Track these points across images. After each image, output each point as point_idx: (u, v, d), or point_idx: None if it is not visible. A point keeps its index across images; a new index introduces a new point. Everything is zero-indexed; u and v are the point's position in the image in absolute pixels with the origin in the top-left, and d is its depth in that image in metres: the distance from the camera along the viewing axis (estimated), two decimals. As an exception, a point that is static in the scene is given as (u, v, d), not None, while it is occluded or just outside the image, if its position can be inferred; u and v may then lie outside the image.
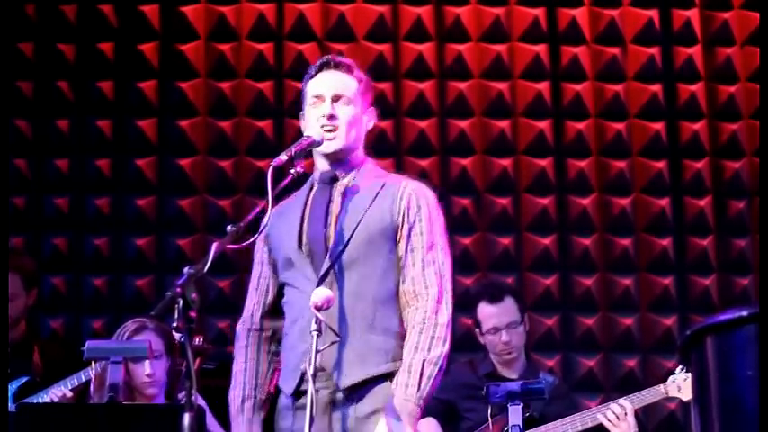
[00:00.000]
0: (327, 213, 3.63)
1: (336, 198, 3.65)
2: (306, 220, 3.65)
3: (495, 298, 5.28)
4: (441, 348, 3.49)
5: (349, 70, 3.74)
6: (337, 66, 3.74)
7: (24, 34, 6.71)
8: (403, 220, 3.60)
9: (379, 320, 3.52)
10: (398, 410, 3.42)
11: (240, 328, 3.76)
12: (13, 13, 6.59)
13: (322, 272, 3.54)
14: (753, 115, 6.77)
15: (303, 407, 3.41)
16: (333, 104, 3.67)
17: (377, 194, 3.63)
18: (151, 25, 6.77)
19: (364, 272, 3.55)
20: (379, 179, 3.70)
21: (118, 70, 6.73)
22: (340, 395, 3.51)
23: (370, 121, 3.77)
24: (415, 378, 3.45)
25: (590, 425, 5.00)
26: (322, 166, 3.72)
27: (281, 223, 3.68)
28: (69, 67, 6.71)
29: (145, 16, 6.76)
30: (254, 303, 3.76)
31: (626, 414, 4.93)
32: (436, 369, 3.48)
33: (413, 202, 3.63)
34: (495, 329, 5.23)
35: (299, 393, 3.54)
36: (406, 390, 3.44)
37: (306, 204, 3.69)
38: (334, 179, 3.69)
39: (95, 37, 6.75)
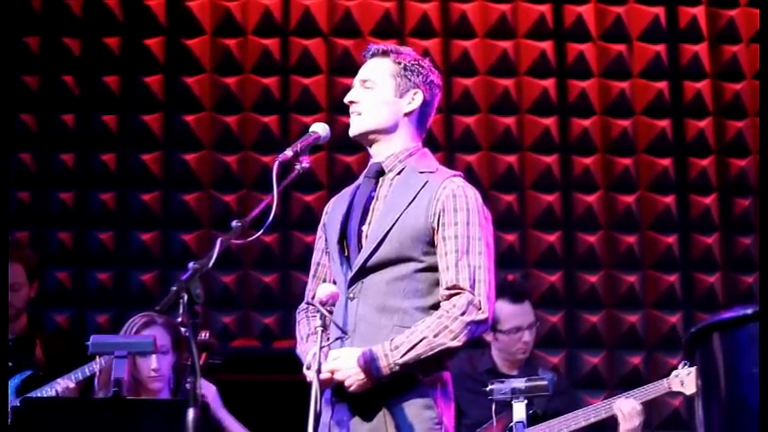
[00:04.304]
0: (367, 210, 3.56)
1: (379, 194, 3.57)
2: (350, 215, 3.59)
3: (519, 298, 5.25)
4: (447, 341, 3.36)
5: (385, 54, 3.64)
6: (374, 54, 3.66)
7: (30, 28, 6.71)
8: (438, 223, 3.46)
9: (408, 321, 3.42)
10: (366, 362, 3.35)
11: (297, 311, 3.73)
12: (19, 6, 6.59)
13: (355, 269, 3.49)
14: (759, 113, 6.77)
15: (340, 401, 3.43)
16: (359, 89, 3.62)
17: (416, 194, 3.51)
18: (157, 20, 6.76)
19: (396, 272, 3.46)
20: (423, 175, 3.56)
21: (123, 65, 6.73)
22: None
23: (410, 103, 3.59)
24: (405, 346, 3.35)
25: (593, 421, 5.00)
26: (372, 156, 3.65)
27: (335, 213, 3.65)
28: (75, 62, 6.71)
29: (151, 11, 6.76)
30: (309, 290, 3.69)
31: (640, 411, 4.92)
32: (430, 353, 3.35)
33: (448, 204, 3.47)
34: (518, 329, 5.21)
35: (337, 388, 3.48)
36: (393, 350, 3.35)
37: (354, 197, 3.63)
38: (380, 173, 3.60)
39: (101, 31, 6.75)
